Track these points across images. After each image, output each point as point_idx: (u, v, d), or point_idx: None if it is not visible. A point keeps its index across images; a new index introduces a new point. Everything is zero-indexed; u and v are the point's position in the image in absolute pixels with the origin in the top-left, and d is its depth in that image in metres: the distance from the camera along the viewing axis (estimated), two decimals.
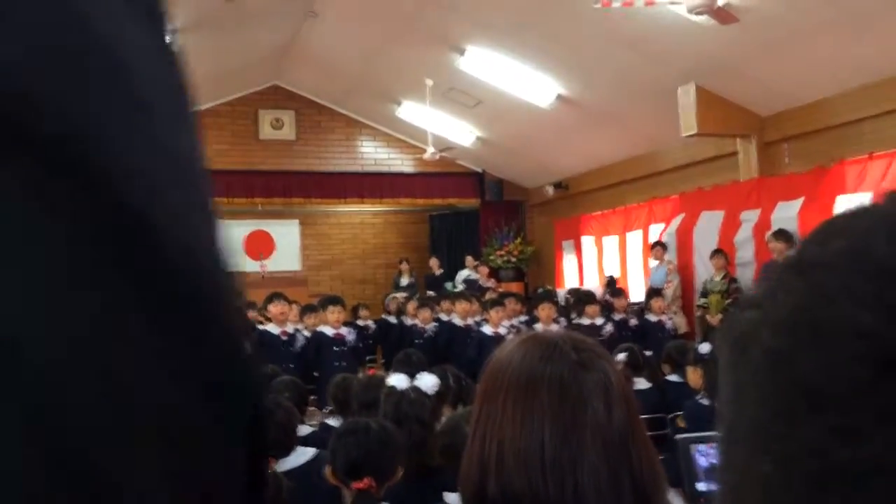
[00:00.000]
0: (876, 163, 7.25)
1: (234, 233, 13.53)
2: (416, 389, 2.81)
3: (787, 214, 7.90)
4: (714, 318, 8.17)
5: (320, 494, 2.32)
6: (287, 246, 13.89)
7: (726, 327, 0.36)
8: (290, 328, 6.55)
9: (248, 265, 13.16)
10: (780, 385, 0.31)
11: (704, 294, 8.65)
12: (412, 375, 2.95)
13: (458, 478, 1.13)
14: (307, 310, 7.16)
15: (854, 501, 0.28)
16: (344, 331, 6.56)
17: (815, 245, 0.33)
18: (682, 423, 4.02)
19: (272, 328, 6.41)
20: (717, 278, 8.49)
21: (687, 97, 8.29)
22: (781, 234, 7.34)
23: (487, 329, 7.13)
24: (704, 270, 9.00)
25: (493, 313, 7.19)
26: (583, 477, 1.00)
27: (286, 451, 2.67)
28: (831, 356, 0.29)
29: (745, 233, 8.56)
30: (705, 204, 9.47)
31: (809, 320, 0.31)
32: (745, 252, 8.52)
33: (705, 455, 1.38)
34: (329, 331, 6.49)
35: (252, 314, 7.41)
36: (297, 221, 14.05)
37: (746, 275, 8.33)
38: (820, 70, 7.33)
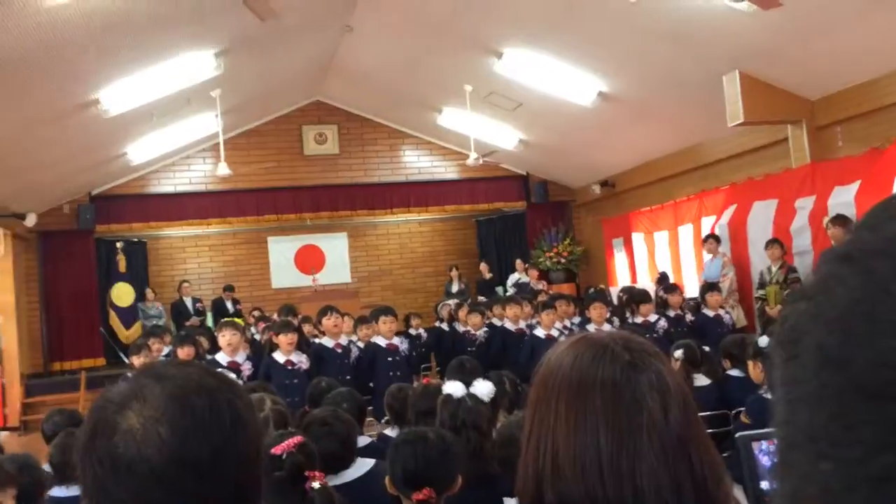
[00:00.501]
0: None
1: (286, 249, 13.82)
2: (472, 397, 2.80)
3: (844, 199, 7.67)
4: (773, 310, 7.97)
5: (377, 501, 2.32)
6: (337, 259, 14.06)
7: (778, 321, 0.34)
8: (343, 340, 6.60)
9: (300, 280, 13.36)
10: (836, 385, 0.30)
11: (762, 285, 8.45)
12: (467, 382, 2.94)
13: (515, 485, 1.12)
14: (360, 321, 7.20)
15: None
16: (396, 341, 6.59)
17: (867, 231, 0.32)
18: (745, 419, 3.92)
19: (327, 341, 6.47)
20: (775, 268, 8.28)
21: (732, 86, 8.13)
22: (840, 220, 7.12)
23: (540, 332, 7.08)
24: (760, 261, 8.79)
25: (545, 316, 7.13)
26: (642, 481, 0.97)
27: (347, 463, 2.67)
28: (888, 352, 0.28)
29: (800, 220, 8.34)
30: (757, 193, 9.26)
31: (865, 313, 0.29)
32: (802, 240, 8.29)
33: (768, 453, 1.34)
34: (382, 341, 6.52)
35: (307, 328, 7.51)
36: (345, 234, 14.21)
37: (805, 263, 8.10)
38: (869, 50, 7.10)
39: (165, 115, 10.08)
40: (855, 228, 0.33)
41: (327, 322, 6.53)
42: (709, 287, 7.85)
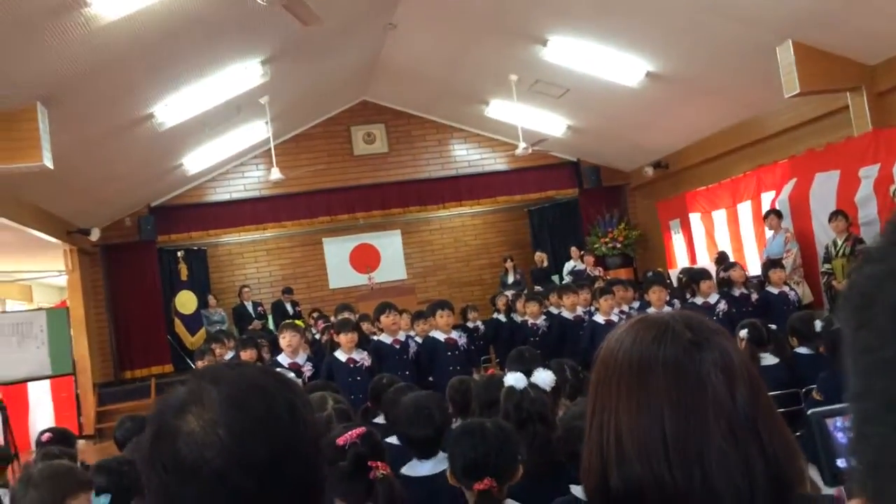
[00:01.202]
0: None
1: (341, 249, 13.98)
2: (534, 387, 2.78)
3: None
4: (841, 284, 7.71)
5: (446, 497, 2.33)
6: (391, 256, 14.15)
7: (847, 288, 0.32)
8: (401, 336, 6.64)
9: (356, 279, 13.50)
10: None
11: (827, 259, 8.19)
12: (527, 372, 2.92)
13: (580, 471, 1.09)
14: (417, 316, 7.23)
15: None
16: (455, 335, 6.59)
17: None
18: (818, 396, 3.80)
19: (385, 338, 6.51)
20: (840, 241, 8.01)
21: (786, 55, 7.88)
22: None
23: (599, 318, 7.00)
24: (825, 235, 8.51)
25: (603, 301, 7.04)
26: (710, 463, 0.93)
27: (434, 451, 2.71)
28: None
29: (865, 190, 8.05)
30: (818, 165, 8.96)
31: None
32: (868, 210, 8.00)
33: (843, 430, 1.28)
34: (440, 335, 6.53)
35: (365, 326, 7.57)
36: (398, 231, 14.28)
37: (872, 234, 7.81)
38: None
39: (217, 125, 10.29)
40: None
41: (385, 320, 6.57)
42: (771, 264, 7.65)
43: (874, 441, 0.29)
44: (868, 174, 8.04)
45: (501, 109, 11.91)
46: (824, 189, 8.74)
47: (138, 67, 7.50)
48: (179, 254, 12.72)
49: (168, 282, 12.63)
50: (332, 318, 8.17)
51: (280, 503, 0.91)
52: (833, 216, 8.11)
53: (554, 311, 8.05)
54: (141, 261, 12.20)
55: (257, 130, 11.20)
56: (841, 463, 1.22)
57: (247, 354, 5.71)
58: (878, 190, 7.82)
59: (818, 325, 4.45)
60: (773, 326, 5.44)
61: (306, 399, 1.00)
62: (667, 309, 6.78)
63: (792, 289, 7.64)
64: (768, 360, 4.61)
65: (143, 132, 9.14)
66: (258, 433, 0.90)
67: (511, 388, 2.70)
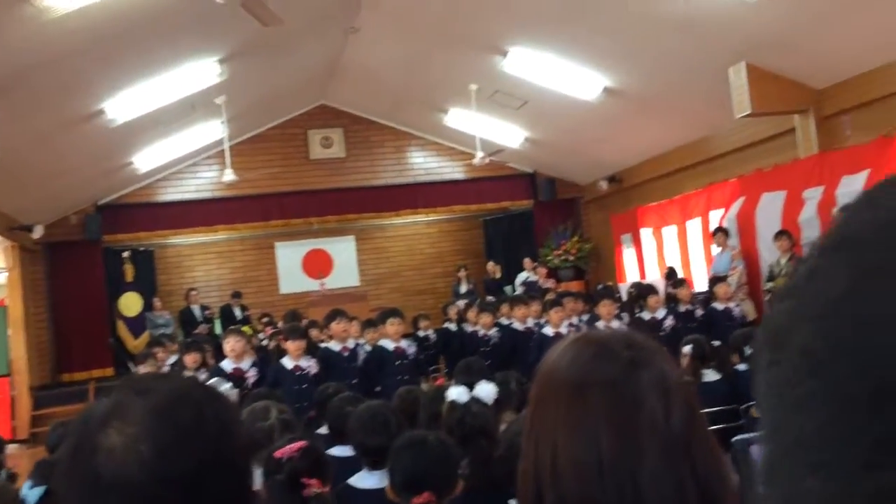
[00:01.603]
0: None
1: (294, 254, 13.83)
2: (477, 401, 2.76)
3: (853, 189, 7.58)
4: None
5: None
6: (345, 262, 14.06)
7: (762, 324, 0.31)
8: (350, 343, 6.58)
9: (308, 284, 13.36)
10: (823, 392, 0.26)
11: (771, 278, 8.37)
12: (474, 384, 2.90)
13: (516, 487, 1.08)
14: (367, 325, 7.18)
15: None
16: (404, 344, 6.55)
17: (851, 220, 0.28)
18: (756, 414, 3.86)
19: (333, 345, 6.45)
20: (784, 260, 8.21)
21: (738, 77, 8.06)
22: None
23: (548, 330, 7.04)
24: (769, 254, 8.71)
25: (553, 314, 7.09)
26: (643, 483, 0.93)
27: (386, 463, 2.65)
28: (881, 354, 0.24)
29: (809, 211, 8.26)
30: (765, 185, 9.18)
31: (852, 312, 0.26)
32: (812, 231, 8.21)
33: None
34: (389, 344, 6.49)
35: (314, 332, 7.49)
36: (352, 237, 14.20)
37: None
38: (875, 37, 7.02)
39: (171, 123, 10.10)
40: (840, 217, 0.29)
41: (336, 327, 6.50)
42: (717, 280, 7.80)
43: (784, 477, 0.28)
44: (812, 196, 8.26)
45: (460, 118, 11.95)
46: (770, 209, 8.95)
47: (91, 61, 7.33)
48: (125, 254, 12.41)
49: (113, 283, 12.32)
50: (281, 324, 8.07)
51: None
52: (778, 236, 8.31)
53: (505, 322, 8.07)
54: (85, 260, 11.89)
55: (212, 130, 11.03)
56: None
57: (190, 359, 5.59)
58: (822, 212, 8.04)
59: None
60: (717, 343, 5.54)
61: (235, 412, 0.97)
62: (616, 323, 6.86)
63: (737, 305, 7.80)
64: (710, 375, 4.69)
65: (94, 127, 8.92)
66: (183, 447, 0.87)
67: (453, 402, 2.68)
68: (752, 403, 4.17)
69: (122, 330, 12.01)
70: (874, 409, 0.25)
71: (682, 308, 7.35)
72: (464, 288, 12.80)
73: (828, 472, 0.26)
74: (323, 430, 3.86)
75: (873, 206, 0.28)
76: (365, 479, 2.67)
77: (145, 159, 11.17)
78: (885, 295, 0.25)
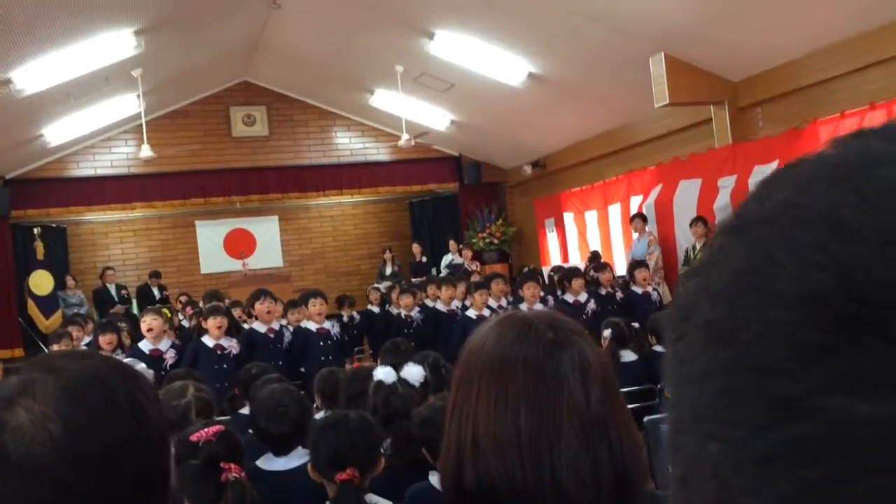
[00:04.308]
0: (848, 121, 7.26)
1: (215, 233, 13.50)
2: (403, 382, 2.78)
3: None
4: None
5: (300, 492, 2.29)
6: (268, 243, 13.83)
7: (672, 302, 0.34)
8: (276, 325, 6.49)
9: (230, 264, 13.09)
10: (721, 362, 0.28)
11: (687, 262, 8.67)
12: (400, 365, 2.92)
13: (438, 465, 1.10)
14: (290, 305, 7.10)
15: (804, 478, 0.25)
16: (327, 325, 6.49)
17: (754, 201, 0.30)
18: (669, 394, 4.02)
19: (259, 326, 6.33)
20: (699, 246, 8.51)
21: (658, 67, 8.27)
22: None
23: (471, 313, 7.10)
24: (685, 239, 9.02)
25: (477, 296, 7.15)
26: (560, 460, 0.96)
27: (294, 446, 2.63)
28: (775, 324, 0.26)
29: (723, 199, 8.58)
30: (683, 173, 9.48)
31: (749, 285, 0.28)
32: None
33: None
34: (312, 326, 6.43)
35: (237, 312, 7.35)
36: (276, 217, 13.97)
37: None
38: (788, 31, 7.31)
39: (84, 96, 9.68)
40: (743, 201, 0.32)
41: (260, 307, 6.38)
42: (636, 264, 8.02)
43: (684, 452, 0.30)
44: (726, 184, 8.58)
45: (386, 99, 11.86)
46: (687, 196, 9.26)
47: None
48: (36, 231, 11.86)
49: (22, 260, 11.77)
50: (201, 304, 7.89)
51: (118, 499, 0.86)
52: (693, 222, 8.61)
53: (429, 303, 8.11)
54: None
55: (128, 104, 10.63)
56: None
57: (106, 339, 5.41)
58: (735, 199, 8.34)
59: None
60: (636, 325, 5.71)
61: (151, 392, 0.95)
62: (539, 305, 6.98)
63: (654, 289, 8.05)
64: (628, 356, 4.84)
65: (0, 98, 8.48)
66: (94, 428, 0.85)
67: (380, 382, 2.69)
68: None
69: (33, 309, 11.50)
70: (768, 375, 0.26)
71: (603, 291, 7.53)
72: (389, 270, 12.79)
73: (723, 438, 0.27)
74: (245, 410, 3.81)
75: (773, 188, 0.30)
76: (273, 462, 2.65)
77: (57, 132, 10.68)
78: (782, 267, 0.27)
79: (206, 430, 2.03)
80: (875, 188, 0.26)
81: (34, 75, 8.31)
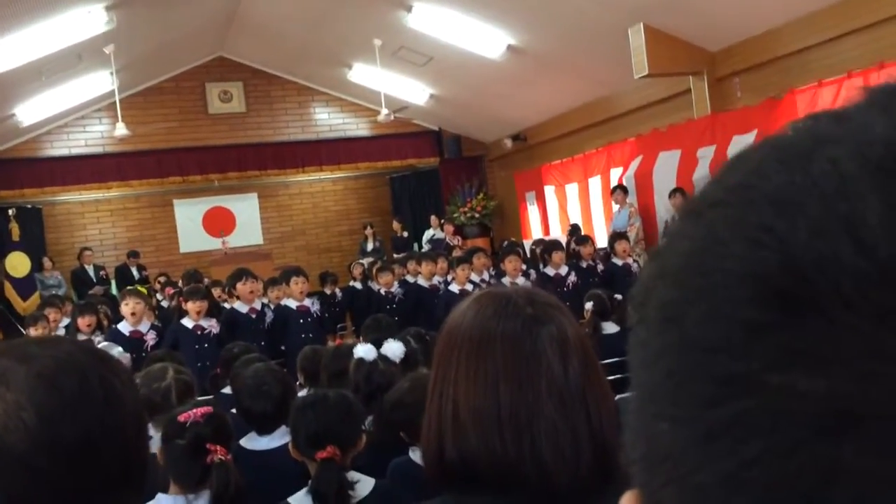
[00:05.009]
0: (825, 89, 7.30)
1: (193, 212, 13.38)
2: (384, 359, 2.78)
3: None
4: None
5: (283, 471, 2.30)
6: (247, 220, 13.72)
7: (635, 284, 0.34)
8: (258, 304, 6.44)
9: (209, 243, 12.99)
10: (672, 343, 0.29)
11: (666, 234, 8.72)
12: (382, 341, 2.91)
13: (419, 440, 1.11)
14: (270, 283, 7.06)
15: (745, 453, 0.26)
16: (307, 302, 6.46)
17: (712, 184, 0.31)
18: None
19: (240, 306, 6.28)
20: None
21: (637, 38, 8.24)
22: None
23: (454, 287, 7.11)
24: (665, 211, 9.06)
25: (459, 271, 7.16)
26: (539, 432, 0.97)
27: (274, 427, 2.63)
28: (720, 303, 0.27)
29: (702, 170, 8.61)
30: (662, 144, 9.50)
31: (698, 266, 0.28)
32: None
33: None
34: (293, 303, 6.39)
35: (216, 292, 7.30)
36: (255, 195, 13.86)
37: None
38: (763, 2, 7.31)
39: (56, 74, 9.50)
40: (704, 185, 0.33)
41: (242, 288, 6.30)
42: (617, 236, 8.04)
43: (642, 433, 0.31)
44: (705, 155, 8.61)
45: (364, 74, 11.76)
46: (666, 167, 9.28)
47: None
48: (11, 212, 11.67)
49: None
50: (181, 284, 7.83)
51: (94, 486, 0.86)
52: (672, 193, 8.64)
53: (410, 279, 8.10)
54: None
55: (101, 81, 10.45)
56: None
57: (84, 321, 5.36)
58: (714, 170, 8.38)
59: None
60: (619, 297, 5.74)
61: (127, 378, 0.94)
62: (521, 279, 7.00)
63: (635, 261, 8.09)
64: (610, 328, 4.87)
65: None
66: (68, 415, 0.84)
67: (360, 359, 2.69)
68: None
69: (10, 291, 11.37)
70: (712, 353, 0.27)
71: (585, 264, 7.55)
72: (370, 246, 12.76)
73: (672, 417, 0.28)
74: (227, 389, 3.80)
75: (730, 171, 0.31)
76: (256, 441, 2.66)
77: (29, 111, 10.49)
78: (729, 247, 0.27)
79: (194, 410, 2.02)
80: (819, 168, 0.27)
81: (3, 53, 8.13)
